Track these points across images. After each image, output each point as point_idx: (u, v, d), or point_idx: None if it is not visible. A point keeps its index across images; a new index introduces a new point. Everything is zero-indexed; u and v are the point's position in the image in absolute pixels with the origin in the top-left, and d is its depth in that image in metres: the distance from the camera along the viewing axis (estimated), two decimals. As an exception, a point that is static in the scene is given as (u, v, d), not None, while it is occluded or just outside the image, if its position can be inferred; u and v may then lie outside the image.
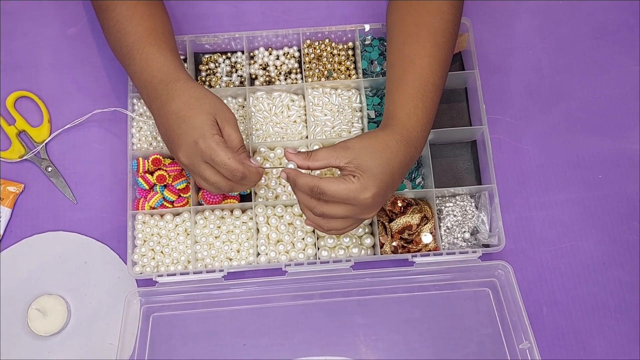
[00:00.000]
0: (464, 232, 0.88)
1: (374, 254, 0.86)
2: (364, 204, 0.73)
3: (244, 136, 0.91)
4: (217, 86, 0.94)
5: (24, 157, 0.92)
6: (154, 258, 0.87)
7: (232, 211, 0.88)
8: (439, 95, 0.80)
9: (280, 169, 0.76)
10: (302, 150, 0.86)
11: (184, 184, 0.88)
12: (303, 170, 0.75)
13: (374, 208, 0.75)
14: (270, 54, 0.96)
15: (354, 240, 0.86)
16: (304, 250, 0.87)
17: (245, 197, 0.90)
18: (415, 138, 0.77)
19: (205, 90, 0.79)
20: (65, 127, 0.92)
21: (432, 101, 0.79)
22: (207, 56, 0.96)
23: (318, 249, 0.86)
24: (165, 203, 0.88)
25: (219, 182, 0.76)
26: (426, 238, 0.86)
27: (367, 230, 0.87)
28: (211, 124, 0.75)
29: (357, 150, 0.73)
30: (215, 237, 0.87)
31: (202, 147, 0.74)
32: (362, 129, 0.91)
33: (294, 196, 0.87)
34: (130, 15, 0.82)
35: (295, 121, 0.92)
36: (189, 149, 0.75)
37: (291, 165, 0.75)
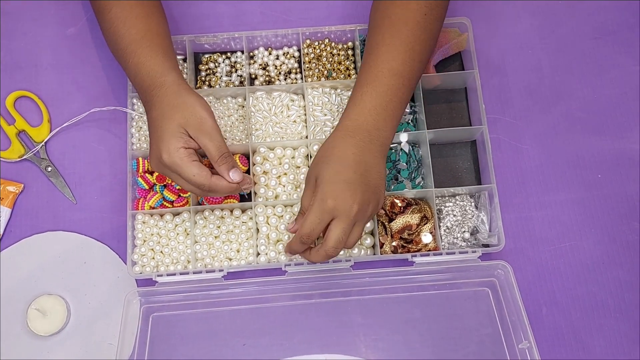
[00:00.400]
0: (464, 232, 0.88)
1: (374, 254, 0.86)
2: (332, 210, 0.72)
3: (243, 136, 0.91)
4: (216, 86, 0.94)
5: (24, 157, 0.92)
6: (153, 258, 0.87)
7: (231, 211, 0.88)
8: (402, 80, 0.79)
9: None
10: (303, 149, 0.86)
11: (184, 184, 0.88)
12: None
13: (351, 202, 0.72)
14: (270, 54, 0.96)
15: (354, 240, 0.86)
16: (303, 250, 0.87)
17: (245, 197, 0.90)
18: (362, 126, 0.76)
19: (185, 96, 0.77)
20: (64, 125, 0.92)
21: (387, 86, 0.78)
22: (206, 56, 0.96)
23: (318, 248, 0.86)
24: (165, 203, 0.88)
25: (192, 190, 0.77)
26: (426, 238, 0.86)
27: (366, 230, 0.86)
28: (178, 137, 0.74)
29: (315, 169, 0.75)
30: (215, 237, 0.87)
31: (166, 161, 0.74)
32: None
33: (294, 195, 0.88)
34: (125, 18, 0.82)
35: (295, 121, 0.92)
36: (156, 160, 0.76)
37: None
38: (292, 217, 0.87)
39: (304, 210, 0.76)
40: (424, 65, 0.82)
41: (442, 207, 0.89)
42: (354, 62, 0.95)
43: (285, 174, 0.89)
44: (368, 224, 0.86)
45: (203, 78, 0.95)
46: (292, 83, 0.94)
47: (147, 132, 0.90)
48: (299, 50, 0.96)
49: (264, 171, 0.89)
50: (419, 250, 0.86)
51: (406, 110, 0.91)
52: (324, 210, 0.72)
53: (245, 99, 0.93)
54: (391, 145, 0.91)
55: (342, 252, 0.85)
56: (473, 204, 0.89)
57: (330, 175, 0.74)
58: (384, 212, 0.87)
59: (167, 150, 0.74)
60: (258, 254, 0.86)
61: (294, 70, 0.96)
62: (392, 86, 0.78)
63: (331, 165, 0.74)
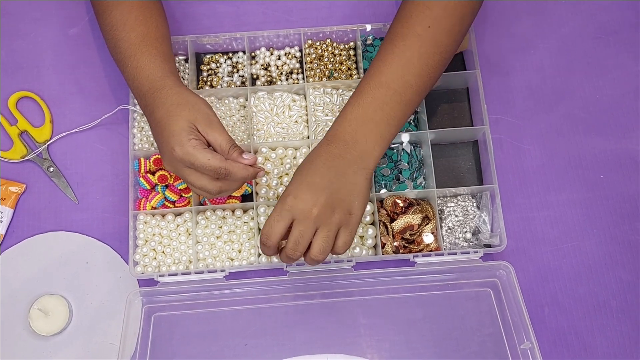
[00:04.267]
0: (466, 232, 0.88)
1: (376, 254, 0.86)
2: (290, 209, 0.73)
3: (245, 136, 0.91)
4: (218, 86, 0.94)
5: (26, 158, 0.92)
6: (155, 258, 0.87)
7: (233, 211, 0.89)
8: (389, 92, 0.77)
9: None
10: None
11: (186, 184, 0.88)
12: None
13: (312, 209, 0.73)
14: (271, 54, 0.96)
15: (356, 240, 0.86)
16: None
17: (246, 197, 0.90)
18: (338, 135, 0.77)
19: (187, 95, 0.77)
20: (72, 131, 0.92)
21: (372, 97, 0.77)
22: (208, 56, 0.96)
23: (319, 249, 0.86)
24: (166, 203, 0.89)
25: (206, 185, 0.76)
26: (428, 238, 0.86)
27: (369, 231, 0.86)
28: (189, 130, 0.74)
29: (290, 188, 0.75)
30: (217, 237, 0.87)
31: (180, 153, 0.74)
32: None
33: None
34: (124, 21, 0.82)
35: (296, 121, 0.92)
36: (170, 157, 0.75)
37: None
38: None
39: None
40: (427, 79, 0.79)
41: (444, 208, 0.89)
42: (356, 63, 0.95)
43: (286, 174, 0.89)
44: (370, 231, 0.86)
45: (205, 78, 0.95)
46: (293, 83, 0.94)
47: (149, 133, 0.91)
48: (300, 51, 0.96)
49: (265, 171, 0.89)
50: (421, 250, 0.86)
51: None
52: (283, 209, 0.73)
53: (246, 99, 0.94)
54: (392, 145, 0.91)
55: (347, 253, 0.85)
56: (475, 204, 0.89)
57: (296, 178, 0.75)
58: (385, 212, 0.87)
59: (179, 143, 0.74)
60: (259, 254, 0.86)
61: (295, 71, 0.96)
62: (377, 98, 0.77)
63: (301, 169, 0.76)
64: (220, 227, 0.88)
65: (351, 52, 0.96)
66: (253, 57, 0.96)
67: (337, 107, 0.92)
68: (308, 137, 0.91)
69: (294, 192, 0.74)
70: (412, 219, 0.86)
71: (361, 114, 0.77)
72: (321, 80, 0.93)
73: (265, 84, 0.95)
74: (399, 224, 0.86)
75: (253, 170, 0.77)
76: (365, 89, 0.78)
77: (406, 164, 0.89)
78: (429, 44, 0.78)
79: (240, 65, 0.96)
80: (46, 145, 0.92)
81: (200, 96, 0.79)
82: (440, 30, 0.79)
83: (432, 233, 0.86)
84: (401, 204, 0.87)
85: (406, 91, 0.78)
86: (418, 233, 0.86)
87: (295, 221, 0.73)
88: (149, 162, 0.89)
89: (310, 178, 0.75)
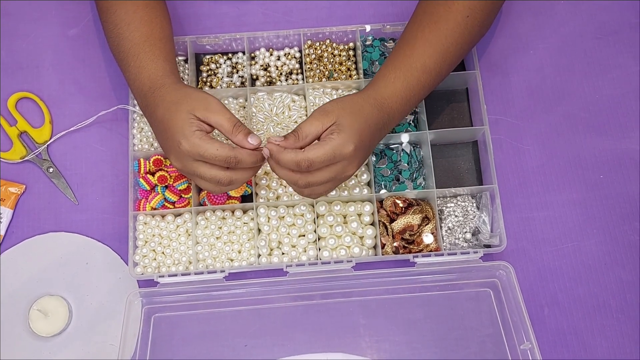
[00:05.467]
0: (465, 232, 0.88)
1: (375, 255, 0.86)
2: (348, 157, 0.74)
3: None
4: (218, 87, 0.94)
5: (25, 158, 0.92)
6: (155, 259, 0.87)
7: (233, 212, 0.89)
8: (430, 78, 0.81)
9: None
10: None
11: (185, 185, 0.88)
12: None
13: (356, 163, 0.76)
14: (271, 55, 0.96)
15: (355, 241, 0.86)
16: (305, 250, 0.87)
17: (246, 198, 0.90)
18: (389, 106, 0.78)
19: (185, 90, 0.77)
20: (70, 129, 0.92)
21: (417, 80, 0.80)
22: (208, 57, 0.96)
23: (319, 249, 0.86)
24: (166, 204, 0.89)
25: (217, 175, 0.75)
26: (427, 238, 0.86)
27: (368, 231, 0.86)
28: (190, 122, 0.74)
29: (337, 112, 0.75)
30: (217, 237, 0.87)
31: (187, 146, 0.73)
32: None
33: (295, 196, 0.87)
34: (129, 21, 0.82)
35: (296, 122, 0.92)
36: (177, 153, 0.75)
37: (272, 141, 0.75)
38: (293, 218, 0.87)
39: (303, 134, 0.75)
40: (452, 68, 0.84)
41: (444, 208, 0.89)
42: (355, 63, 0.95)
43: (286, 174, 0.89)
44: (370, 231, 0.86)
45: (204, 79, 0.95)
46: (293, 84, 0.94)
47: (149, 133, 0.91)
48: (300, 51, 0.96)
49: (265, 172, 0.89)
50: (421, 250, 0.86)
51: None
52: (340, 153, 0.73)
53: (246, 100, 0.94)
54: (392, 146, 0.91)
55: (343, 253, 0.85)
56: (474, 204, 0.89)
57: (357, 128, 0.75)
58: (385, 212, 0.87)
59: (184, 137, 0.74)
60: (259, 255, 0.86)
61: (295, 71, 0.96)
62: (421, 81, 0.80)
63: (358, 120, 0.76)
64: (220, 227, 0.88)
65: (351, 52, 0.96)
66: (253, 58, 0.96)
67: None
68: (308, 138, 0.91)
69: (356, 143, 0.74)
70: (412, 219, 0.86)
71: (407, 94, 0.80)
72: (321, 80, 0.93)
73: (265, 84, 0.95)
74: (399, 224, 0.86)
75: (261, 155, 0.76)
76: (412, 70, 0.80)
77: (406, 165, 0.89)
78: (463, 33, 0.82)
79: (239, 66, 0.96)
80: (46, 145, 0.92)
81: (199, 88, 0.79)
82: (475, 22, 0.82)
83: (432, 233, 0.86)
84: (401, 205, 0.87)
85: (439, 76, 0.83)
86: (418, 233, 0.86)
87: (334, 164, 0.74)
88: (149, 163, 0.89)
89: (367, 139, 0.76)
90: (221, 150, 0.73)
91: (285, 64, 0.96)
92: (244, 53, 0.96)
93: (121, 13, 0.83)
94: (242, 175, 0.77)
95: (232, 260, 0.87)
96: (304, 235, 0.87)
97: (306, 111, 0.92)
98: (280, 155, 0.73)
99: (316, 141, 0.75)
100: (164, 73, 0.80)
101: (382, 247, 0.86)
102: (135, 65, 0.80)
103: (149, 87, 0.79)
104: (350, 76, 0.94)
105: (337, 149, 0.73)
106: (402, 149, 0.90)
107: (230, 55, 0.96)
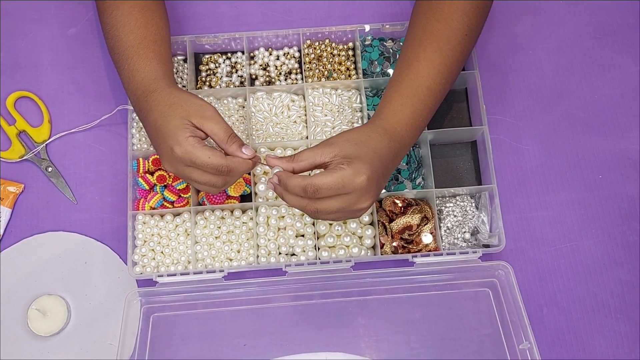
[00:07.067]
0: (464, 232, 0.88)
1: (374, 254, 0.86)
2: (360, 189, 0.71)
3: (244, 136, 0.91)
4: (217, 86, 0.94)
5: (24, 157, 0.92)
6: (154, 258, 0.87)
7: (232, 211, 0.88)
8: (435, 100, 0.80)
9: (272, 170, 0.74)
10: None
11: (184, 184, 0.88)
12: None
13: (369, 195, 0.73)
14: (270, 54, 0.96)
15: (355, 241, 0.86)
16: (304, 250, 0.87)
17: (245, 198, 0.90)
18: (399, 134, 0.77)
19: (180, 95, 0.77)
20: (72, 130, 0.92)
21: (424, 104, 0.79)
22: (207, 56, 0.96)
23: (318, 249, 0.86)
24: (165, 203, 0.88)
25: (210, 180, 0.75)
26: (426, 238, 0.86)
27: (367, 231, 0.86)
28: (183, 128, 0.74)
29: (340, 144, 0.73)
30: (216, 237, 0.87)
31: (180, 153, 0.73)
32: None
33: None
34: (125, 22, 0.82)
35: (295, 121, 0.92)
36: (170, 158, 0.75)
37: (276, 170, 0.74)
38: (292, 219, 0.87)
39: (298, 157, 0.74)
40: (452, 86, 0.83)
41: (443, 208, 0.89)
42: (354, 63, 0.95)
43: (285, 174, 0.89)
44: (369, 231, 0.86)
45: (203, 78, 0.95)
46: (292, 83, 0.94)
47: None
48: (299, 51, 0.96)
49: (265, 171, 0.89)
50: (420, 250, 0.86)
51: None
52: (350, 183, 0.71)
53: (245, 100, 0.94)
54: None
55: (342, 252, 0.85)
56: (473, 204, 0.89)
57: (368, 158, 0.72)
58: (384, 212, 0.87)
59: (177, 142, 0.74)
60: (258, 255, 0.86)
61: (294, 71, 0.96)
62: (427, 105, 0.79)
63: (367, 151, 0.73)
64: (219, 227, 0.88)
65: (350, 52, 0.96)
66: (252, 57, 0.96)
67: (336, 107, 0.92)
68: (307, 137, 0.91)
69: (369, 176, 0.71)
70: (411, 219, 0.86)
71: (415, 119, 0.78)
72: (320, 80, 0.93)
73: (264, 84, 0.95)
74: (398, 224, 0.86)
75: (252, 163, 0.76)
76: (418, 94, 0.79)
77: (405, 164, 0.89)
78: (463, 51, 0.81)
79: (239, 66, 0.96)
80: (44, 145, 0.92)
81: (194, 94, 0.78)
82: (471, 40, 0.82)
83: (431, 233, 0.86)
84: (400, 204, 0.87)
85: (442, 96, 0.81)
86: (417, 233, 0.86)
87: (345, 195, 0.72)
88: (148, 163, 0.89)
89: (380, 169, 0.73)
90: (213, 159, 0.73)
91: (284, 64, 0.96)
92: (243, 53, 0.96)
93: (118, 14, 0.83)
94: (235, 178, 0.77)
95: (231, 260, 0.87)
96: (303, 235, 0.87)
97: (305, 111, 0.92)
98: (288, 180, 0.73)
99: (322, 170, 0.73)
100: (157, 76, 0.79)
101: (381, 247, 0.86)
102: (128, 68, 0.80)
103: (142, 91, 0.79)
104: (349, 76, 0.94)
105: (347, 179, 0.71)
106: (401, 149, 0.90)
107: (229, 54, 0.96)
